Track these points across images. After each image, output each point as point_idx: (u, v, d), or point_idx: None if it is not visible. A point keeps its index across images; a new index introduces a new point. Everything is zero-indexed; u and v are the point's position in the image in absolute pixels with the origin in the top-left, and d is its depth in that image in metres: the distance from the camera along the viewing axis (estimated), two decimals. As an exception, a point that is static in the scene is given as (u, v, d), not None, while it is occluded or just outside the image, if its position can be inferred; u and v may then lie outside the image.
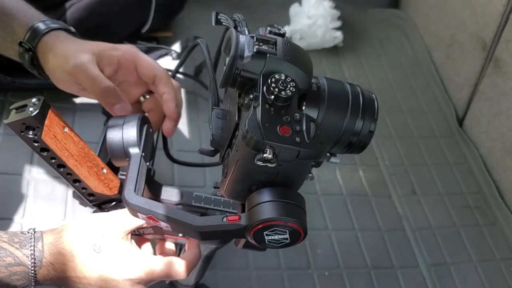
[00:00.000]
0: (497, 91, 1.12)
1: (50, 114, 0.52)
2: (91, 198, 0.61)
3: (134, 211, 0.52)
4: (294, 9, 1.38)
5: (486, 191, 1.18)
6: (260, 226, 0.46)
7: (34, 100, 0.52)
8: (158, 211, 0.51)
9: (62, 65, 0.61)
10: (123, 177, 0.61)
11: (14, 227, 0.80)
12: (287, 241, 0.48)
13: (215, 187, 0.65)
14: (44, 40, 0.63)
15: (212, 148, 0.58)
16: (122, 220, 0.56)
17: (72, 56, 0.61)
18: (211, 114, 0.58)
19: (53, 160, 0.55)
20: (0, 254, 0.51)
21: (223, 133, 0.57)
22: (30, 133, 0.52)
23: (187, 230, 0.52)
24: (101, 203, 0.62)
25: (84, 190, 0.60)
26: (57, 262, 0.53)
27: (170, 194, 0.63)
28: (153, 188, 0.63)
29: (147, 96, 0.68)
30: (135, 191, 0.53)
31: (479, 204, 1.16)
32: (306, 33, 1.34)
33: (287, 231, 0.47)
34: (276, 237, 0.48)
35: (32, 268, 0.52)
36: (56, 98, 0.98)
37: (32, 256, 0.52)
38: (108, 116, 0.87)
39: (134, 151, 0.55)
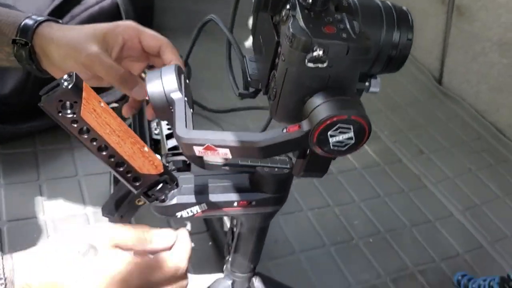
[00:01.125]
0: (466, 36, 1.17)
1: (85, 87, 0.49)
2: (137, 183, 0.56)
3: (190, 146, 0.49)
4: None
5: (486, 135, 1.21)
6: (323, 126, 0.44)
7: (65, 76, 0.49)
8: (215, 138, 0.48)
9: (74, 56, 0.59)
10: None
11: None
12: (352, 142, 0.46)
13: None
14: (38, 33, 0.61)
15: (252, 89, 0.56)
16: (110, 230, 0.51)
17: (81, 46, 0.59)
18: (244, 61, 0.57)
19: (94, 143, 0.51)
20: None
21: (259, 72, 0.56)
22: (69, 112, 0.48)
23: (248, 150, 0.48)
24: (147, 190, 0.58)
25: (129, 175, 0.55)
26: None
27: (215, 157, 0.60)
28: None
29: (147, 71, 0.66)
30: (186, 127, 0.50)
31: (485, 147, 1.18)
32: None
33: (351, 128, 0.45)
34: (341, 137, 0.45)
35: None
36: (51, 141, 0.94)
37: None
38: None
39: (177, 96, 0.53)
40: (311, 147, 0.46)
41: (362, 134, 0.45)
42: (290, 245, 0.86)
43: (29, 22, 0.61)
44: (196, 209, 0.60)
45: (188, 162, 0.65)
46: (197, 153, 0.50)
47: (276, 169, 0.62)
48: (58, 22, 0.64)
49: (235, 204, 0.62)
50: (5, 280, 0.43)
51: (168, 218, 0.80)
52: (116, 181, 0.80)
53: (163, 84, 0.53)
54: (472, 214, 1.00)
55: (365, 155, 1.11)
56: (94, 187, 0.87)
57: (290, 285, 0.76)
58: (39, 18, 0.62)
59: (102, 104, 0.51)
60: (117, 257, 0.48)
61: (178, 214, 0.60)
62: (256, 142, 0.47)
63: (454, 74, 1.26)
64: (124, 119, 0.60)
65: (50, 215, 0.81)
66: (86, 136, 0.51)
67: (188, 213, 0.60)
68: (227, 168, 0.61)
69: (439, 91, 1.32)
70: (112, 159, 0.54)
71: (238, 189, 0.62)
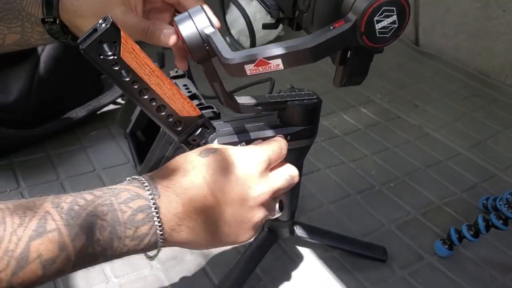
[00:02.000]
0: (437, -8, 1.23)
1: (121, 29, 0.51)
2: (178, 128, 0.57)
3: (241, 66, 0.50)
4: (228, 16, 1.44)
5: (472, 82, 1.26)
6: (370, 10, 0.47)
7: (100, 21, 0.50)
8: (266, 51, 0.50)
9: None
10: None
11: None
12: (396, 26, 0.49)
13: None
14: (62, 8, 0.61)
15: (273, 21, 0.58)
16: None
17: (105, 12, 0.59)
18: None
19: (135, 86, 0.52)
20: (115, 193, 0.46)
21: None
22: (109, 53, 0.49)
23: (300, 55, 0.50)
24: (188, 135, 0.59)
25: (170, 120, 0.56)
26: (171, 183, 0.48)
27: (245, 99, 0.62)
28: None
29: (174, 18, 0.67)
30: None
31: (474, 92, 1.24)
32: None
33: (395, 10, 0.48)
34: (385, 22, 0.48)
35: (151, 197, 0.46)
36: (62, 144, 0.94)
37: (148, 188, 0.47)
38: (125, 128, 0.85)
39: (210, 30, 0.54)
40: (358, 38, 0.48)
41: (404, 15, 0.49)
42: (318, 199, 0.87)
43: None
44: (236, 149, 0.61)
45: (218, 111, 0.66)
46: (248, 72, 0.51)
47: (305, 101, 0.64)
48: None
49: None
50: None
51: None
52: (140, 159, 0.80)
53: (195, 23, 0.54)
54: (478, 149, 1.04)
55: (365, 116, 1.15)
56: (115, 178, 0.87)
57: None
58: None
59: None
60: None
61: (220, 157, 0.61)
62: (307, 44, 0.49)
63: (431, 32, 1.32)
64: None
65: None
66: (127, 79, 0.52)
67: (229, 155, 0.61)
68: (259, 107, 0.62)
69: (418, 53, 1.38)
70: (154, 103, 0.55)
71: (272, 127, 0.64)
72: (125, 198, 0.46)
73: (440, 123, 1.12)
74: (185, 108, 0.57)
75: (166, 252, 0.58)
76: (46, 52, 0.90)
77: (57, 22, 0.61)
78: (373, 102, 1.21)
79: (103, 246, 0.44)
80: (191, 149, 0.61)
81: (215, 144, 0.56)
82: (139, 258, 0.49)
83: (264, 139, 0.63)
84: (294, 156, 0.67)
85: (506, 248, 0.80)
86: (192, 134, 0.60)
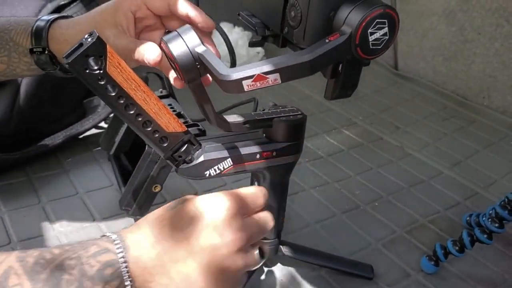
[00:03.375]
0: (414, 16, 1.27)
1: (107, 45, 0.51)
2: (164, 144, 0.57)
3: (239, 82, 0.50)
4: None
5: (450, 104, 1.29)
6: (364, 23, 0.48)
7: (85, 36, 0.50)
8: (263, 66, 0.50)
9: None
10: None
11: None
12: (387, 37, 0.50)
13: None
14: (52, 37, 0.61)
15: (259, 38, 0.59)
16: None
17: None
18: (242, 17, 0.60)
19: (121, 101, 0.52)
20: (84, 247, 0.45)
21: (264, 17, 0.59)
22: (95, 68, 0.50)
23: (297, 69, 0.51)
24: (174, 152, 0.59)
25: (156, 135, 0.56)
26: (141, 237, 0.47)
27: (233, 118, 0.62)
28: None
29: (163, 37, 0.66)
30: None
31: (452, 114, 1.27)
32: (232, 56, 1.42)
33: (386, 22, 0.49)
34: (378, 34, 0.50)
35: (120, 251, 0.45)
36: (43, 168, 0.93)
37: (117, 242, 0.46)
38: (108, 150, 0.84)
39: (202, 49, 0.54)
40: (353, 51, 0.49)
41: (394, 27, 0.50)
42: (303, 219, 0.87)
43: (40, 24, 0.61)
44: (223, 166, 0.62)
45: (203, 129, 0.66)
46: (246, 88, 0.51)
47: (290, 117, 0.65)
48: (66, 17, 0.64)
49: (258, 156, 0.63)
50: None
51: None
52: (124, 181, 0.79)
53: (186, 42, 0.54)
54: (459, 168, 1.06)
55: (348, 138, 1.16)
56: (99, 201, 0.86)
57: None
58: (49, 18, 0.61)
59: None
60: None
61: (207, 173, 0.61)
62: (304, 58, 0.50)
63: (409, 56, 1.35)
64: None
65: (60, 230, 0.79)
66: (113, 94, 0.52)
67: (216, 171, 0.62)
68: (248, 125, 0.63)
69: (397, 77, 1.41)
70: (140, 118, 0.55)
71: (258, 143, 0.64)
72: (93, 252, 0.45)
73: (421, 144, 1.14)
74: (171, 124, 0.57)
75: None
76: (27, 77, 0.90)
77: (46, 52, 0.61)
78: (356, 124, 1.22)
79: None
80: (177, 165, 0.61)
81: (187, 196, 0.53)
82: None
83: (250, 155, 0.63)
84: (281, 171, 0.68)
85: (490, 263, 0.80)
86: (178, 150, 0.60)
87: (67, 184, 0.90)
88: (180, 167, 0.61)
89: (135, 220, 0.83)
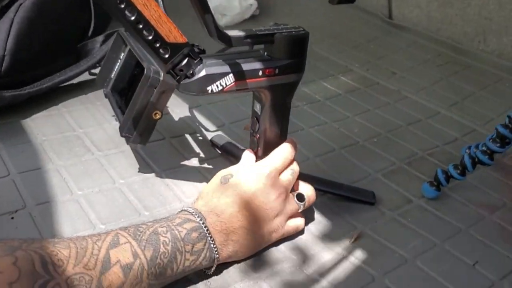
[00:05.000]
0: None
1: None
2: (166, 55, 0.56)
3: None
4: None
5: (445, 50, 1.29)
6: None
7: None
8: None
9: None
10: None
11: (72, 204, 0.70)
12: None
13: None
14: None
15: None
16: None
17: None
18: None
19: (121, 5, 0.51)
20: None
21: None
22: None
23: None
24: (175, 65, 0.58)
25: (157, 45, 0.55)
26: (210, 207, 0.60)
27: (235, 33, 0.61)
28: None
29: None
30: None
31: (447, 60, 1.26)
32: (225, 8, 1.40)
33: None
34: None
35: (200, 219, 0.57)
36: (38, 110, 0.91)
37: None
38: (106, 86, 0.82)
39: None
40: None
41: None
42: (302, 154, 0.86)
43: None
44: (225, 82, 0.61)
45: (203, 48, 0.65)
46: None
47: (293, 32, 0.64)
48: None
49: (260, 73, 0.63)
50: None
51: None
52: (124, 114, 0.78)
53: None
54: (457, 108, 1.06)
55: (345, 84, 1.15)
56: (97, 137, 0.85)
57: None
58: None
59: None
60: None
61: (209, 89, 0.61)
62: None
63: (403, 4, 1.34)
64: None
65: (59, 164, 0.78)
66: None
67: (218, 87, 0.61)
68: (249, 40, 0.62)
69: (392, 26, 1.41)
70: (140, 25, 0.54)
71: (261, 60, 0.63)
72: (178, 222, 0.57)
73: (418, 87, 1.14)
74: (172, 33, 0.56)
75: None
76: (20, 13, 0.88)
77: None
78: (352, 71, 1.21)
79: (169, 259, 0.53)
80: (178, 81, 0.60)
81: (227, 169, 0.65)
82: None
83: (252, 72, 0.62)
84: (283, 91, 0.67)
85: (491, 190, 0.81)
86: (179, 64, 0.59)
87: (63, 123, 0.89)
88: (181, 82, 0.60)
89: (133, 148, 0.82)
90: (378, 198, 0.77)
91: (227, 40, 0.60)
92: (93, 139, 0.85)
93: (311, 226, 0.71)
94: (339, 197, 0.76)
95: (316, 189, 0.76)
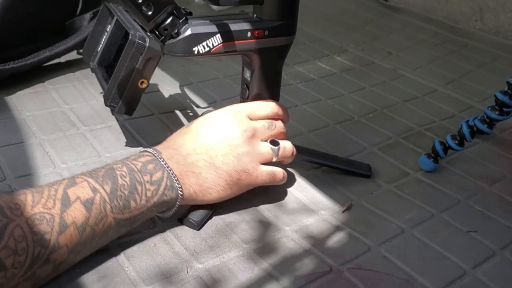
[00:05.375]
0: None
1: None
2: (149, 12, 0.54)
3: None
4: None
5: (442, 31, 1.27)
6: None
7: None
8: None
9: None
10: None
11: (54, 177, 0.67)
12: None
13: None
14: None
15: None
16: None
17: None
18: None
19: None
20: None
21: None
22: None
23: None
24: (159, 24, 0.55)
25: (139, 0, 0.53)
26: (167, 144, 0.60)
27: None
28: None
29: None
30: None
31: (444, 39, 1.24)
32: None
33: None
34: None
35: (154, 152, 0.57)
36: (23, 86, 0.89)
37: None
38: (92, 60, 0.80)
39: None
40: None
41: None
42: (296, 128, 0.84)
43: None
44: (212, 43, 0.58)
45: (189, 10, 0.62)
46: None
47: (283, -8, 0.61)
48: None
49: (249, 34, 0.60)
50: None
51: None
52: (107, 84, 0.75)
53: None
54: (454, 86, 1.03)
55: (340, 63, 1.13)
56: (82, 113, 0.82)
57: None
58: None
59: None
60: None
61: (195, 49, 0.58)
62: None
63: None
64: None
65: (43, 138, 0.75)
66: None
67: (204, 48, 0.58)
68: (237, -1, 0.59)
69: (388, 8, 1.38)
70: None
71: (249, 21, 0.61)
72: (133, 157, 0.56)
73: (414, 66, 1.12)
74: (155, -13, 0.53)
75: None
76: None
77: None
78: (347, 52, 1.19)
79: (129, 190, 0.52)
80: (163, 41, 0.58)
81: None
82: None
83: (241, 33, 0.60)
84: (272, 58, 0.64)
85: (490, 163, 0.78)
86: (163, 22, 0.56)
87: (49, 99, 0.86)
88: (166, 43, 0.58)
89: (121, 123, 0.80)
90: (374, 171, 0.74)
91: (215, -3, 0.57)
92: (78, 115, 0.82)
93: (303, 197, 0.68)
94: (333, 169, 0.73)
95: (309, 161, 0.73)
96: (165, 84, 0.96)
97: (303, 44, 1.20)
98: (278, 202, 0.67)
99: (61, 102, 0.86)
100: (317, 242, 0.60)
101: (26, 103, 0.84)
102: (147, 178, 0.54)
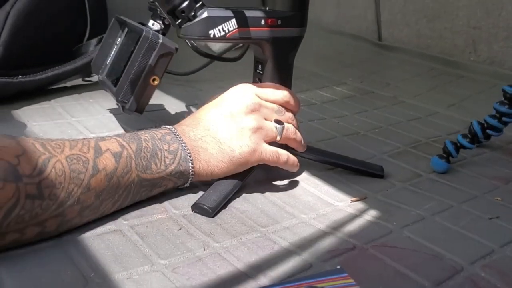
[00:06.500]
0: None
1: None
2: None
3: None
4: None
5: (437, 65, 1.31)
6: None
7: None
8: None
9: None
10: None
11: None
12: None
13: None
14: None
15: None
16: None
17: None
18: None
19: None
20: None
21: None
22: None
23: None
24: (176, 7, 0.56)
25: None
26: (181, 122, 0.63)
27: None
28: None
29: None
30: None
31: (440, 72, 1.28)
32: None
33: None
34: None
35: (170, 127, 0.60)
36: (29, 102, 0.88)
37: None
38: (101, 73, 0.81)
39: None
40: None
41: None
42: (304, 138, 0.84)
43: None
44: (227, 27, 0.60)
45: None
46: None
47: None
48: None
49: (263, 22, 0.61)
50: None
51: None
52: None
53: None
54: (455, 108, 1.05)
55: (340, 92, 1.15)
56: (90, 124, 0.82)
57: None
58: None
59: None
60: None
61: (211, 32, 0.59)
62: None
63: (393, 25, 1.37)
64: None
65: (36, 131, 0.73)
66: None
67: (220, 32, 0.60)
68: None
69: (382, 48, 1.43)
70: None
71: (263, 10, 0.63)
72: (152, 129, 0.59)
73: (414, 93, 1.14)
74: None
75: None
76: (16, 6, 0.87)
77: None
78: (346, 84, 1.21)
79: (151, 153, 0.55)
80: (179, 25, 0.59)
81: None
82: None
83: (255, 20, 0.61)
84: (285, 49, 0.65)
85: (501, 167, 0.78)
86: (180, 5, 0.58)
87: (55, 113, 0.85)
88: (183, 26, 0.59)
89: (126, 129, 0.78)
90: (387, 173, 0.73)
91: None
92: (86, 125, 0.81)
93: (318, 192, 0.66)
94: (346, 170, 0.72)
95: (321, 161, 0.72)
96: (171, 104, 0.96)
97: (303, 77, 1.23)
98: (292, 195, 0.65)
99: (67, 116, 0.85)
100: (337, 226, 0.57)
101: (32, 115, 0.83)
102: (165, 146, 0.57)
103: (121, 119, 0.84)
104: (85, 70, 0.98)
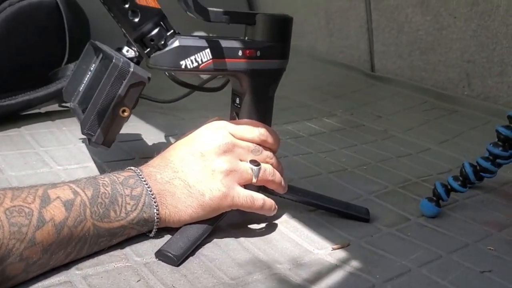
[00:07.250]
0: (389, 12, 1.27)
1: None
2: (135, 19, 0.51)
3: None
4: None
5: (430, 98, 1.27)
6: None
7: None
8: None
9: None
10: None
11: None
12: None
13: None
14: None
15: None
16: None
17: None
18: None
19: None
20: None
21: None
22: None
23: None
24: (145, 34, 0.52)
25: (126, 5, 0.50)
26: (148, 164, 0.58)
27: (214, 9, 0.56)
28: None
29: None
30: None
31: (433, 106, 1.24)
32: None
33: None
34: None
35: (135, 169, 0.56)
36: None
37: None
38: (73, 100, 0.76)
39: None
40: None
41: None
42: (287, 175, 0.76)
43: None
44: (200, 58, 0.56)
45: (177, 31, 0.59)
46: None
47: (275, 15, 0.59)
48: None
49: (240, 53, 0.57)
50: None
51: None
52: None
53: None
54: (447, 145, 1.01)
55: (329, 124, 1.10)
56: (57, 154, 0.76)
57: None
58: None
59: None
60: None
61: (182, 63, 0.55)
62: None
63: (386, 56, 1.34)
64: None
65: (11, 174, 0.68)
66: None
67: (192, 63, 0.55)
68: (228, 16, 0.57)
69: (375, 79, 1.39)
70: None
71: (240, 40, 0.58)
72: (115, 172, 0.55)
73: (405, 128, 1.09)
74: (143, -6, 0.51)
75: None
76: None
77: None
78: (336, 115, 1.17)
79: (110, 199, 0.51)
80: (148, 54, 0.54)
81: None
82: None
83: (231, 50, 0.57)
84: (265, 81, 0.61)
85: (494, 210, 0.73)
86: (150, 32, 0.53)
87: (22, 142, 0.81)
88: (152, 55, 0.54)
89: (98, 165, 0.74)
90: (373, 216, 0.68)
91: (205, 13, 0.55)
92: (53, 156, 0.76)
93: (297, 236, 0.61)
94: (328, 212, 0.67)
95: (302, 202, 0.67)
96: (149, 134, 0.91)
97: (291, 108, 1.18)
98: (269, 240, 0.60)
99: (35, 144, 0.80)
100: (313, 279, 0.52)
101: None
102: (127, 191, 0.53)
103: (93, 150, 0.79)
104: (61, 96, 0.93)
